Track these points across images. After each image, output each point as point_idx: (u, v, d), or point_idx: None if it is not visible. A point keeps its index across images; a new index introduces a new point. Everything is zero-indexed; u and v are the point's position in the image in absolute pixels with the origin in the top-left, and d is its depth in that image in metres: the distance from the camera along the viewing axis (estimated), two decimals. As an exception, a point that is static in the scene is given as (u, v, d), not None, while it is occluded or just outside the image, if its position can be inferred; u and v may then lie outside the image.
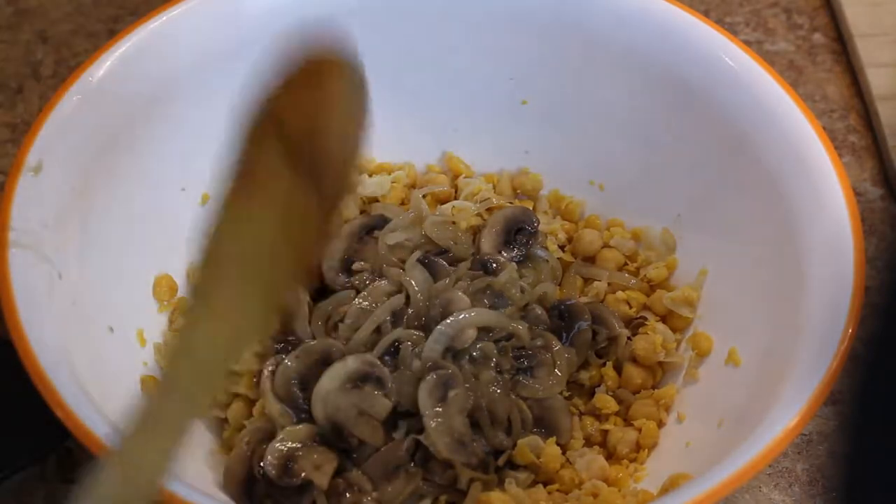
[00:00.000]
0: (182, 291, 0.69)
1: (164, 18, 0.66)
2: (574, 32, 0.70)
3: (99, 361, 0.60)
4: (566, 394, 0.66)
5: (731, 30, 0.86)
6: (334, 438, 0.61)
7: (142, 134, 0.66)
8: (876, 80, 0.82)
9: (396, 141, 0.74)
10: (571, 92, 0.73)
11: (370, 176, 0.73)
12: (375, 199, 0.73)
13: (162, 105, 0.67)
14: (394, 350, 0.63)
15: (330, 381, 0.61)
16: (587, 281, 0.71)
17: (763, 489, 0.65)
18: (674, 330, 0.69)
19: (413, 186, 0.74)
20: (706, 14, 0.87)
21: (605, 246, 0.72)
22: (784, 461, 0.66)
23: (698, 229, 0.70)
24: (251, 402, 0.65)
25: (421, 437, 0.61)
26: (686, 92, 0.68)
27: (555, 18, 0.70)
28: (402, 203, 0.72)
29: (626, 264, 0.72)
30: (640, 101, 0.71)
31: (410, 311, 0.65)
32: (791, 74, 0.84)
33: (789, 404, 0.55)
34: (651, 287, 0.71)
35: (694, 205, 0.70)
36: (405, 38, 0.72)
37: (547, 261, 0.70)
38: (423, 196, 0.72)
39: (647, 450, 0.65)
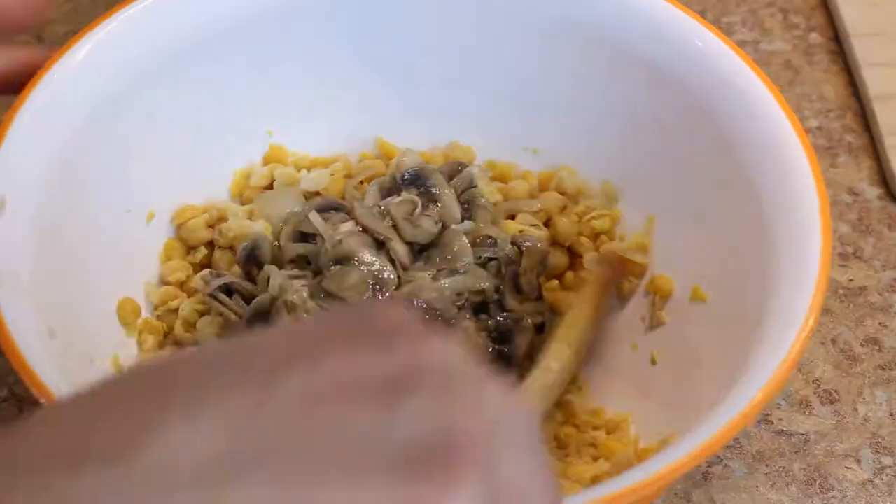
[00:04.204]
0: (146, 312, 0.68)
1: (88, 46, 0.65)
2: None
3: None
4: None
5: (728, 29, 0.87)
6: None
7: (87, 159, 0.65)
8: (873, 79, 0.82)
9: (329, 134, 0.74)
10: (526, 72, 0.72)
11: (308, 171, 0.73)
12: (317, 194, 0.72)
13: (104, 126, 0.65)
14: None
15: None
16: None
17: (760, 488, 0.65)
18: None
19: (349, 176, 0.73)
20: (703, 14, 0.87)
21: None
22: (781, 461, 0.66)
23: (643, 183, 0.70)
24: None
25: None
26: (623, 51, 0.68)
27: None
28: (343, 197, 0.72)
29: (565, 207, 0.71)
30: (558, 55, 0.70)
31: None
32: (788, 74, 0.84)
33: (777, 341, 0.54)
34: (596, 237, 0.70)
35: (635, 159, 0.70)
36: (332, 30, 0.72)
37: (486, 208, 0.69)
38: (361, 182, 0.72)
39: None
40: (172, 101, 0.69)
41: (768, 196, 0.60)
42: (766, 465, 0.66)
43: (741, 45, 0.84)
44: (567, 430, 0.63)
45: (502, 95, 0.73)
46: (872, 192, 0.78)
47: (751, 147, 0.62)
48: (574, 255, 0.70)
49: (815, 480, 0.65)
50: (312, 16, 0.71)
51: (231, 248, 0.70)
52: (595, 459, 0.62)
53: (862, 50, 0.84)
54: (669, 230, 0.68)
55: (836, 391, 0.69)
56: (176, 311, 0.68)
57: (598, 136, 0.71)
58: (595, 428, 0.63)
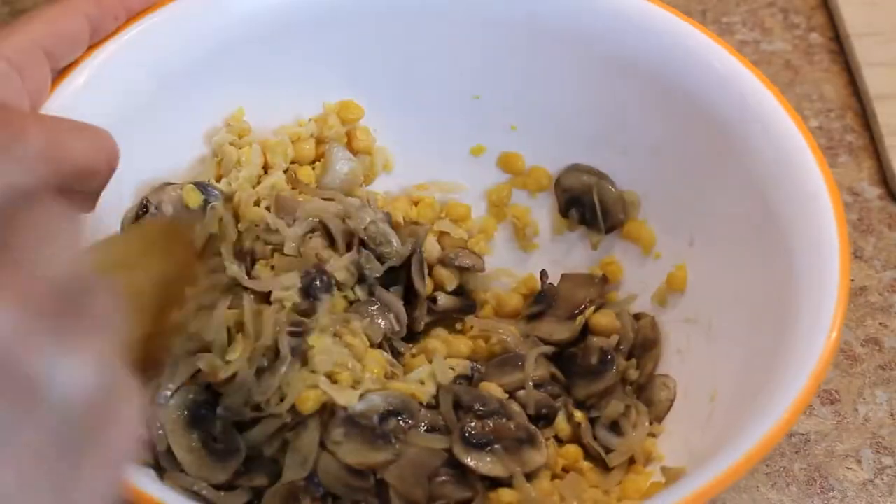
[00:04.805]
0: None
1: None
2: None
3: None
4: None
5: (728, 30, 0.87)
6: None
7: None
8: (873, 79, 0.82)
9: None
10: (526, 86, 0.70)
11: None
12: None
13: None
14: None
15: None
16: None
17: (760, 488, 0.65)
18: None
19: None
20: (703, 14, 0.87)
21: None
22: (781, 461, 0.66)
23: (667, 215, 0.67)
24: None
25: None
26: (653, 78, 0.66)
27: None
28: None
29: None
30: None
31: None
32: (788, 74, 0.84)
33: (796, 371, 0.52)
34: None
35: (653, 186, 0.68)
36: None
37: None
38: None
39: None
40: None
41: (791, 230, 0.58)
42: (767, 465, 0.65)
43: (741, 45, 0.84)
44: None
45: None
46: (872, 191, 0.78)
47: (772, 176, 0.60)
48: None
49: (816, 480, 0.65)
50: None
51: None
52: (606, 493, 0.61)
53: (862, 50, 0.84)
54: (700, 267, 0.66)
55: (836, 391, 0.69)
56: None
57: (597, 160, 0.69)
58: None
